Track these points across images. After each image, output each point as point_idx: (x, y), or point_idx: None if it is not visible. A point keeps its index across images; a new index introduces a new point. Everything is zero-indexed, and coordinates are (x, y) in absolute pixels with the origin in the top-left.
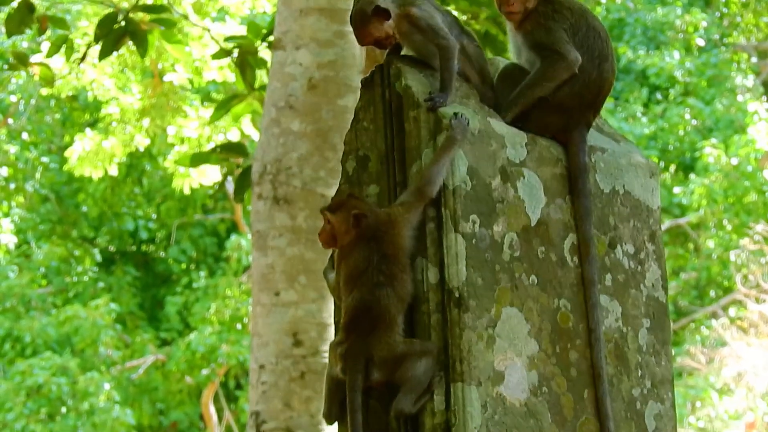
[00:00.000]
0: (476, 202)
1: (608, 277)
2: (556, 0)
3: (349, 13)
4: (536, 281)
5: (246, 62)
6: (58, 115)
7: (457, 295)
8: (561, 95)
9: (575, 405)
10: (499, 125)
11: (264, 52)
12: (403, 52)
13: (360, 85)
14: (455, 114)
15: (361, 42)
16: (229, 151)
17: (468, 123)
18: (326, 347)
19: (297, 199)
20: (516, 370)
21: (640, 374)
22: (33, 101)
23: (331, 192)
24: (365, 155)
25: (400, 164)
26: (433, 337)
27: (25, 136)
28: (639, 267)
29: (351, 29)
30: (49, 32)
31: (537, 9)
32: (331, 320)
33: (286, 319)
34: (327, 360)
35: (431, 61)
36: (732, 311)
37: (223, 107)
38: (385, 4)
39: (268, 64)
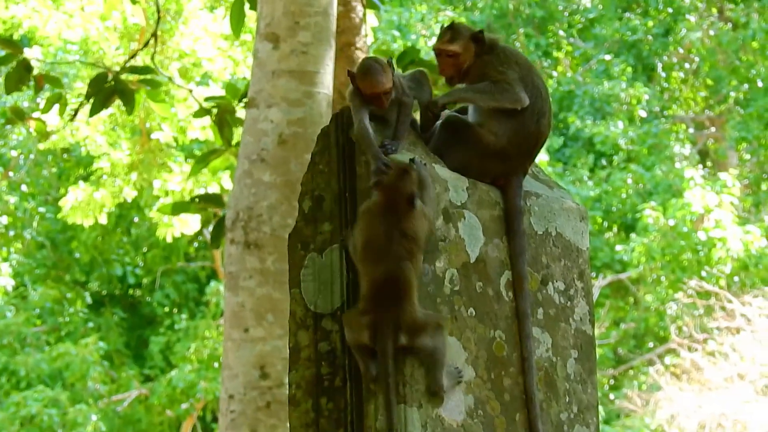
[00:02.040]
0: None
1: (540, 311)
2: (501, 51)
3: (318, 75)
4: (474, 313)
5: (224, 120)
6: (54, 169)
7: None
8: (502, 143)
9: (507, 427)
10: (443, 171)
11: (241, 112)
12: None
13: None
14: (411, 159)
15: (375, 88)
16: (207, 201)
17: (425, 165)
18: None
19: (266, 244)
20: (454, 394)
21: (567, 400)
22: (32, 156)
23: None
24: (320, 195)
25: (352, 204)
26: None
27: (24, 187)
28: (568, 302)
29: (318, 90)
30: (48, 92)
31: (482, 58)
32: None
33: (254, 354)
34: (290, 392)
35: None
36: (667, 359)
37: (201, 161)
38: None
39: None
